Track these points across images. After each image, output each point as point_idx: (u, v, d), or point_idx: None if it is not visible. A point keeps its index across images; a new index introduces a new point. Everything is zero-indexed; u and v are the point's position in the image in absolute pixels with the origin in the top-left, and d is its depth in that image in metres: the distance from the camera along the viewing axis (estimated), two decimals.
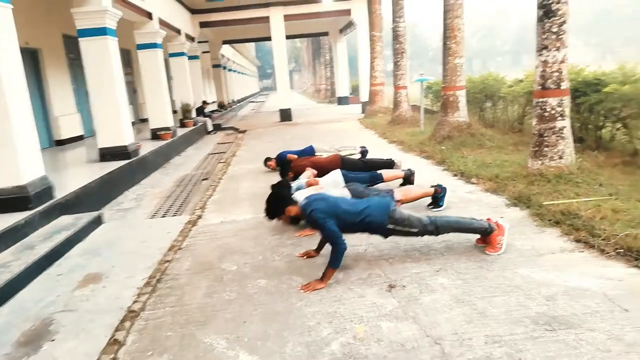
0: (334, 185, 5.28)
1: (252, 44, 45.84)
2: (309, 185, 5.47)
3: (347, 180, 5.54)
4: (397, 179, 5.76)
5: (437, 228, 3.59)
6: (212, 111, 19.60)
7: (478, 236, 3.81)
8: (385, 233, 3.61)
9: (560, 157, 5.36)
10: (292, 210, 3.58)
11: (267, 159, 8.03)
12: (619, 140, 6.76)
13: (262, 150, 10.65)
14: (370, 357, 2.48)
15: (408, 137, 9.96)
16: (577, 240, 3.71)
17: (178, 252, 4.41)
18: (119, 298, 3.47)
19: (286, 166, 6.83)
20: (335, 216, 3.43)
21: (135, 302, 3.38)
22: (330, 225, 3.38)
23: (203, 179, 8.10)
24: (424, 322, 2.74)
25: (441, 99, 8.75)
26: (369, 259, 3.77)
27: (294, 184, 5.57)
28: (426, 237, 3.76)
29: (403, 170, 5.84)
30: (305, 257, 3.96)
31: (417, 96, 14.01)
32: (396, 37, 11.90)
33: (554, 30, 5.16)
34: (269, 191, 4.94)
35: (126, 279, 3.81)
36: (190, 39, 16.13)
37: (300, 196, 4.72)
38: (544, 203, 4.57)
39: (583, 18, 58.64)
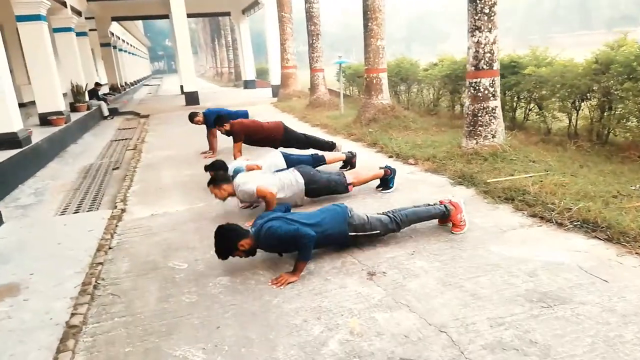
0: (275, 168, 4.95)
1: (141, 23, 42.62)
2: (250, 169, 5.08)
3: (289, 162, 5.26)
4: (338, 161, 5.58)
5: (398, 225, 3.45)
6: (106, 94, 17.82)
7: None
8: (348, 242, 3.38)
9: (494, 136, 5.56)
10: (245, 243, 3.14)
11: (194, 114, 7.52)
12: (533, 120, 7.25)
13: (173, 136, 9.89)
14: (377, 354, 2.25)
15: (330, 120, 9.84)
16: (533, 215, 3.82)
17: (110, 252, 3.80)
18: (50, 312, 2.84)
19: (219, 120, 6.34)
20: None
21: (73, 315, 2.79)
22: (289, 229, 3.06)
23: (114, 168, 7.22)
24: (420, 310, 2.59)
25: (364, 81, 8.72)
26: (336, 247, 3.53)
27: (231, 165, 5.14)
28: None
29: (344, 153, 5.68)
30: None
31: (332, 79, 14.03)
32: (310, 18, 11.65)
33: (486, 11, 5.28)
34: (197, 179, 4.54)
35: (53, 288, 3.16)
36: (77, 12, 14.38)
37: (241, 179, 4.34)
38: (489, 180, 4.69)
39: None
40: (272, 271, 3.22)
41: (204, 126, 7.68)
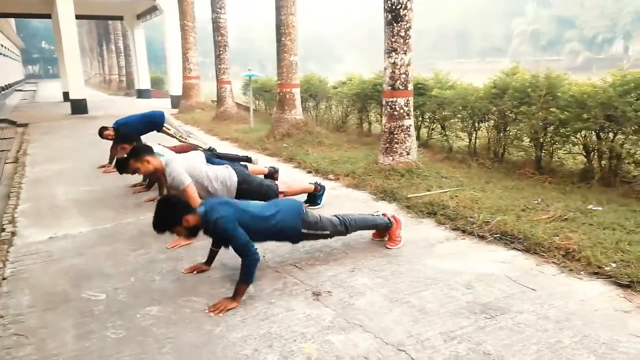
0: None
1: (13, 21, 38.23)
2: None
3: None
4: (261, 174, 5.42)
5: (346, 228, 3.44)
6: None
7: (372, 232, 3.81)
8: (298, 238, 3.27)
9: (408, 153, 5.82)
10: (191, 219, 2.93)
11: (104, 128, 6.81)
12: (436, 139, 7.75)
13: (62, 148, 8.93)
14: None
15: (240, 134, 9.61)
16: (456, 229, 4.02)
17: (4, 284, 3.23)
18: None
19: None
20: (243, 223, 2.94)
21: None
22: (241, 235, 2.88)
23: None
24: (374, 329, 2.54)
25: (277, 96, 8.66)
26: (274, 267, 3.38)
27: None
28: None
29: (267, 167, 5.54)
30: (195, 272, 3.33)
31: (236, 92, 13.74)
32: (217, 28, 11.34)
33: (402, 34, 5.55)
34: (99, 196, 4.19)
35: None
36: None
37: (175, 161, 3.96)
38: (410, 195, 4.87)
39: (359, 30, 66.75)
40: (208, 297, 2.97)
41: (92, 134, 7.04)
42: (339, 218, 3.45)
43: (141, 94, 21.81)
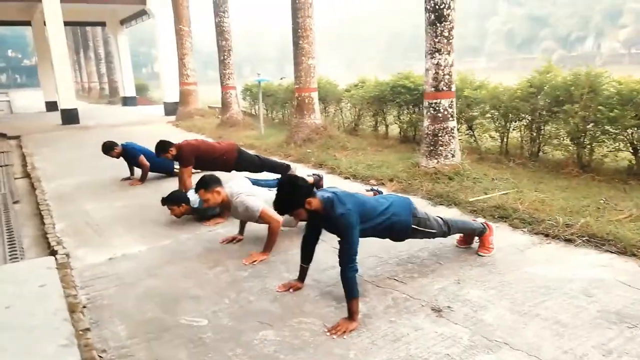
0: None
1: None
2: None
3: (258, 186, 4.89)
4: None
5: (448, 229, 3.33)
6: None
7: (457, 237, 3.68)
8: (405, 235, 3.16)
9: (453, 155, 5.72)
10: (314, 202, 2.75)
11: (111, 145, 6.49)
12: (463, 140, 7.68)
13: (68, 160, 8.56)
14: None
15: (253, 140, 9.37)
16: (537, 233, 3.92)
17: (87, 313, 2.96)
18: None
19: (161, 148, 5.42)
20: (362, 217, 2.80)
21: None
22: (356, 240, 2.73)
23: (14, 202, 5.88)
24: (522, 346, 2.40)
25: (296, 100, 8.47)
26: (372, 281, 3.20)
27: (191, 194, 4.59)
28: (398, 244, 3.44)
29: (312, 176, 5.35)
30: (290, 290, 3.13)
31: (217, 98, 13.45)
32: (221, 33, 11.07)
33: (445, 34, 5.45)
34: (137, 211, 4.00)
35: None
36: None
37: (240, 188, 3.84)
38: (471, 199, 4.76)
39: (337, 33, 66.82)
40: (319, 318, 2.78)
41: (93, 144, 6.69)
42: (441, 218, 3.33)
43: (126, 101, 21.24)
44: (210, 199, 3.71)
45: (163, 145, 5.39)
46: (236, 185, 3.87)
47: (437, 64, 5.52)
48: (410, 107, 8.28)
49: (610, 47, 41.80)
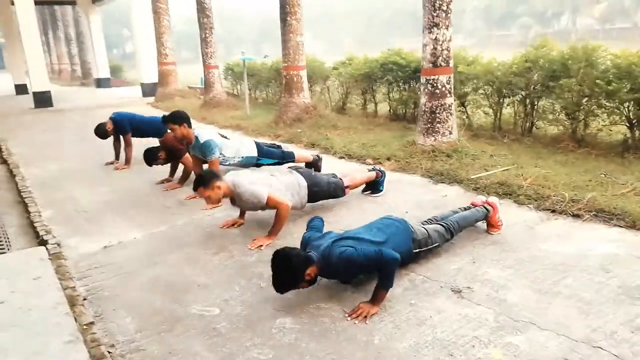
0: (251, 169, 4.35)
1: None
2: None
3: (261, 152, 4.93)
4: (305, 161, 5.11)
5: (452, 233, 3.19)
6: None
7: None
8: (410, 260, 2.97)
9: (450, 133, 5.64)
10: (312, 272, 2.59)
11: (104, 129, 6.23)
12: (458, 117, 7.60)
13: (46, 144, 8.23)
14: None
15: (239, 121, 9.13)
16: (545, 209, 3.87)
17: (88, 307, 2.80)
18: None
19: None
20: None
21: None
22: (366, 249, 2.59)
23: None
24: (550, 325, 2.35)
25: (284, 79, 8.23)
26: None
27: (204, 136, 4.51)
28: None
29: (312, 155, 5.23)
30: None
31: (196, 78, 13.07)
32: (202, 10, 10.65)
33: (444, 8, 5.31)
34: (127, 197, 4.07)
35: None
36: None
37: (241, 177, 3.59)
38: (473, 177, 4.70)
39: (312, 11, 65.60)
40: (337, 302, 2.68)
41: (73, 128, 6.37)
42: (443, 225, 3.18)
43: (100, 83, 20.49)
44: (212, 196, 3.47)
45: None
46: (236, 175, 3.68)
47: (435, 39, 5.38)
48: (401, 84, 8.14)
49: (586, 23, 42.32)
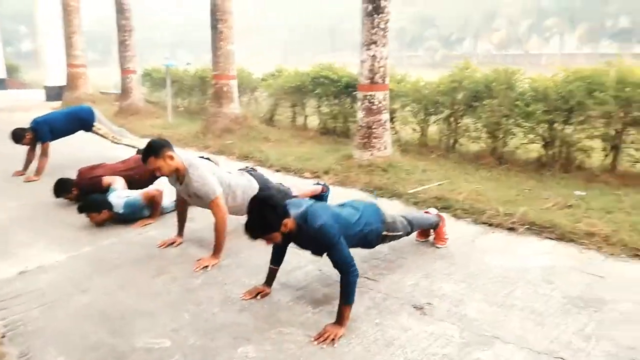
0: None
1: None
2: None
3: None
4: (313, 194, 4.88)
5: (412, 227, 3.24)
6: None
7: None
8: (377, 242, 2.99)
9: (386, 148, 5.76)
10: (289, 223, 2.50)
11: (21, 130, 5.58)
12: None
13: None
14: None
15: (160, 130, 8.64)
16: (482, 223, 4.05)
17: (9, 345, 2.39)
18: None
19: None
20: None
21: None
22: (344, 245, 2.53)
23: None
24: (512, 339, 2.41)
25: (213, 87, 7.92)
26: (329, 282, 3.01)
27: (114, 198, 4.06)
28: None
29: (317, 184, 5.05)
30: (258, 296, 2.84)
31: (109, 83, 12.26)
32: (121, 10, 9.99)
33: (382, 26, 5.43)
34: (38, 213, 4.20)
35: None
36: None
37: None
38: (409, 191, 4.81)
39: (243, 23, 64.42)
40: (299, 327, 2.55)
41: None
42: (404, 217, 3.23)
43: None
44: (164, 167, 3.14)
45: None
46: (194, 158, 3.40)
47: (373, 56, 5.48)
48: (331, 98, 8.21)
49: (485, 48, 46.23)
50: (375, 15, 5.36)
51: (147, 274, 3.19)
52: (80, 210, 3.99)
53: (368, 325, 2.55)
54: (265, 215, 2.43)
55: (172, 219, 3.83)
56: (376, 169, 5.50)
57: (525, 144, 6.11)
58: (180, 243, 3.66)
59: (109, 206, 4.00)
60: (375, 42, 5.43)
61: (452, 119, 6.77)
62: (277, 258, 2.88)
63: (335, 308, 2.58)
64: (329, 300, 2.79)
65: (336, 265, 2.53)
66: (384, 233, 2.96)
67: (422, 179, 5.23)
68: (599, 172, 5.35)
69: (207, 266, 3.22)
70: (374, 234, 2.88)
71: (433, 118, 7.03)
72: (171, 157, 3.18)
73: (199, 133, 7.80)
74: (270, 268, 2.90)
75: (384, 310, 2.70)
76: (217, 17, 7.54)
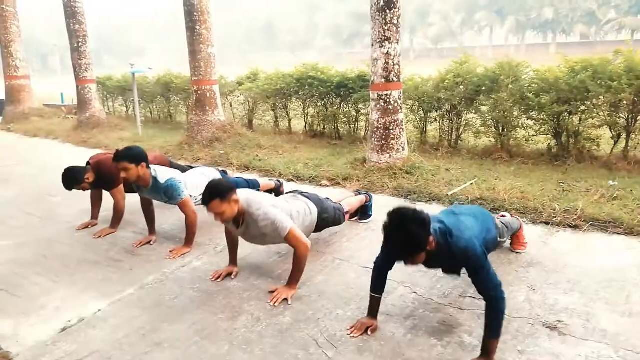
0: None
1: None
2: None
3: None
4: (268, 189, 4.49)
5: (507, 234, 3.04)
6: None
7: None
8: (492, 250, 2.77)
9: (403, 149, 5.52)
10: (432, 242, 2.19)
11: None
12: None
13: None
14: None
15: (133, 143, 7.85)
16: (543, 222, 3.89)
17: None
18: None
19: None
20: None
21: None
22: (490, 266, 2.25)
23: None
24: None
25: (194, 94, 7.31)
26: (440, 302, 2.74)
27: None
28: None
29: (272, 180, 4.62)
30: (369, 331, 2.48)
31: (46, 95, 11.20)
32: (73, 15, 9.00)
33: (395, 22, 5.17)
34: (44, 254, 3.63)
35: None
36: None
37: (253, 197, 2.90)
38: (449, 193, 4.59)
39: (162, 24, 62.02)
40: None
41: None
42: (502, 223, 3.02)
43: None
44: (227, 212, 2.69)
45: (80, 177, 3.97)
46: (249, 192, 2.97)
47: (387, 54, 5.21)
48: (319, 100, 7.87)
49: (421, 42, 47.64)
50: (388, 11, 5.10)
51: (221, 315, 2.72)
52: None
53: (511, 354, 2.28)
54: (413, 232, 2.08)
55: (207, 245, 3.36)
56: (398, 172, 5.25)
57: (533, 136, 6.11)
58: (238, 273, 3.20)
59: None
60: (389, 39, 5.17)
61: (452, 115, 6.66)
62: (381, 284, 2.54)
63: (455, 338, 2.33)
64: (449, 329, 2.48)
65: (482, 288, 2.23)
66: (500, 240, 2.74)
67: (451, 179, 5.04)
68: (615, 160, 5.42)
69: (286, 299, 2.80)
70: (492, 242, 2.66)
71: (434, 115, 6.90)
72: (236, 202, 2.76)
73: (183, 144, 7.18)
74: (373, 297, 2.55)
75: (518, 335, 2.43)
76: (194, 18, 6.95)
